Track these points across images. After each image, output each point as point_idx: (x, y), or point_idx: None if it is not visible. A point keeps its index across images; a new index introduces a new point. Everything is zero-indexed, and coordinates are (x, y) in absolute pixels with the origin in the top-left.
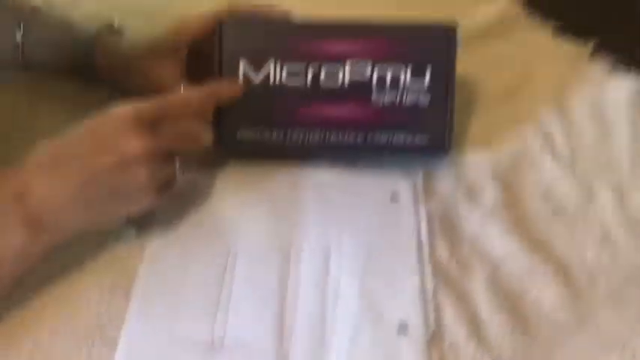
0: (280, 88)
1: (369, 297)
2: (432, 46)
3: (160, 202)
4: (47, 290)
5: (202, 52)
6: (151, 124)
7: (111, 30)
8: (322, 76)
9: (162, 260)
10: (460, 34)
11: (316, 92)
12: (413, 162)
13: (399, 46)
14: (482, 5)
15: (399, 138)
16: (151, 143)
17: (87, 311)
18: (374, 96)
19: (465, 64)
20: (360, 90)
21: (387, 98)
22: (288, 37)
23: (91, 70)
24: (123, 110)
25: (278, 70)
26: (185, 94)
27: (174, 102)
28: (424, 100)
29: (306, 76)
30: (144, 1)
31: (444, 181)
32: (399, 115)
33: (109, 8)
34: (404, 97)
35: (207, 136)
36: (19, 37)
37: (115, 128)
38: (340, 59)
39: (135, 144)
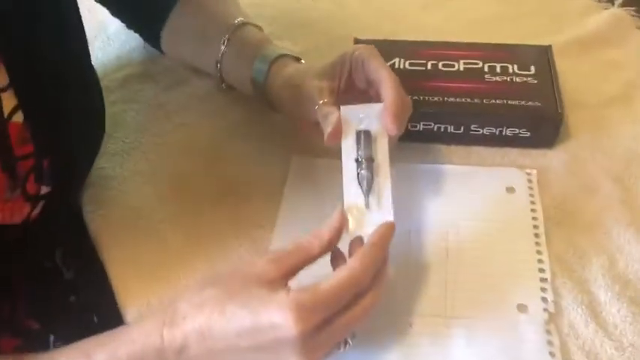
0: (403, 72)
1: (489, 280)
2: (532, 53)
3: None
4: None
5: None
6: (316, 331)
7: (290, 56)
8: (440, 65)
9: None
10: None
11: (435, 74)
12: (529, 142)
13: (504, 54)
14: (594, 14)
15: (514, 102)
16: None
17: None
18: (486, 77)
19: (577, 70)
20: (473, 74)
21: (498, 79)
22: (411, 46)
23: (265, 92)
24: (285, 322)
25: (402, 63)
26: (343, 282)
27: (332, 292)
28: (532, 81)
29: (426, 66)
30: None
31: (558, 176)
32: (510, 88)
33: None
34: (513, 78)
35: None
36: (222, 49)
37: (276, 338)
38: (454, 58)
39: None
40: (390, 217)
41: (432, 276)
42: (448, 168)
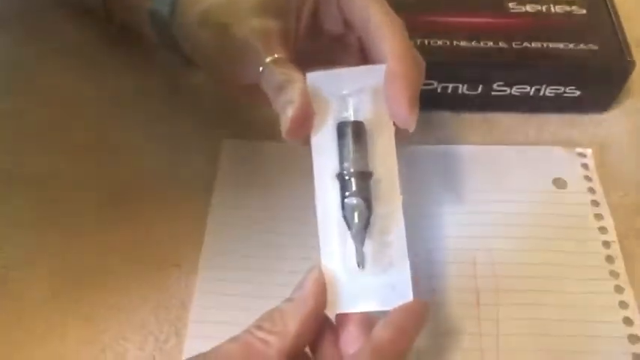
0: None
1: (546, 344)
2: None
3: None
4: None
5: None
6: None
7: None
8: None
9: None
10: None
11: (434, 4)
12: (575, 106)
13: None
14: None
15: (557, 46)
16: None
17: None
18: (511, 7)
19: None
20: (490, 2)
21: (529, 8)
22: None
23: (172, 32)
24: None
25: None
26: None
27: None
28: (578, 11)
29: None
30: None
31: (622, 155)
32: (549, 24)
33: None
34: (551, 8)
35: None
36: None
37: None
38: None
39: None
40: (407, 286)
41: (460, 340)
42: (461, 150)
